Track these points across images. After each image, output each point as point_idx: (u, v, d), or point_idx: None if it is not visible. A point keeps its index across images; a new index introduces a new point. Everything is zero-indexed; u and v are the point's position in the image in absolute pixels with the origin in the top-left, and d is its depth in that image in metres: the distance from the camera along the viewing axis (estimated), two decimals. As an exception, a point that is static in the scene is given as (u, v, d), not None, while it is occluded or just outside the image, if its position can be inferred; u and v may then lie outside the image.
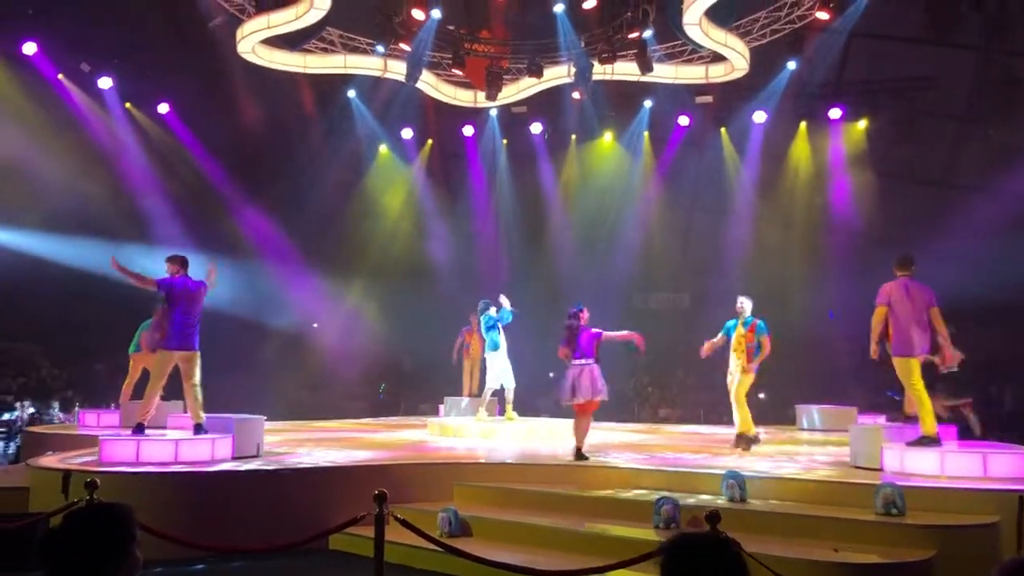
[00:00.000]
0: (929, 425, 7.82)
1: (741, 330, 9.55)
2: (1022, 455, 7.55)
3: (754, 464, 8.57)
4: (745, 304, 9.67)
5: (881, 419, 11.56)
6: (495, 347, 11.76)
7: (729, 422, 14.90)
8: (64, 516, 2.52)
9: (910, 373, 7.91)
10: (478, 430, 11.49)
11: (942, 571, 5.75)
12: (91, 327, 15.93)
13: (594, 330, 8.88)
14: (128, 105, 16.97)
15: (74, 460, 8.27)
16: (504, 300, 11.82)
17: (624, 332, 9.16)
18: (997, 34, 15.67)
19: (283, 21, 13.08)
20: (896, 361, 7.98)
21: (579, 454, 8.78)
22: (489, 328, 11.82)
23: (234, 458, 8.33)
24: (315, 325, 19.07)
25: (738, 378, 9.53)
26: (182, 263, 8.71)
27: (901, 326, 7.89)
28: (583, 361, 8.74)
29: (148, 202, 16.81)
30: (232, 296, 16.15)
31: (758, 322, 9.54)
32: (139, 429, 8.53)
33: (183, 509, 7.12)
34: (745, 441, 9.62)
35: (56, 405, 15.64)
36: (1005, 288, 14.85)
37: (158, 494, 7.23)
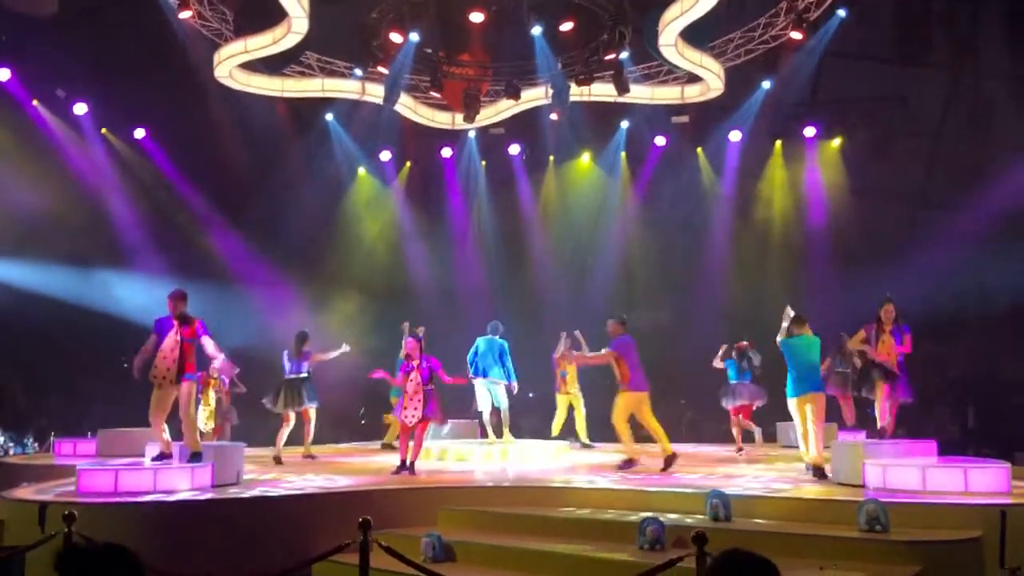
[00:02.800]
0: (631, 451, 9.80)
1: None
2: (1002, 469, 7.62)
3: (738, 482, 8.58)
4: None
5: (862, 435, 11.62)
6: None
7: (711, 440, 15.01)
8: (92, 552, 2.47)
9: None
10: (460, 453, 11.47)
11: (927, 587, 5.77)
12: (67, 355, 15.74)
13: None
14: (104, 131, 16.85)
15: (51, 491, 8.14)
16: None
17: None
18: (966, 54, 15.96)
19: (260, 46, 13.05)
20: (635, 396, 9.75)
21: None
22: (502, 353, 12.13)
23: (214, 486, 8.24)
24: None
25: None
26: None
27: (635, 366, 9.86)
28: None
29: (124, 227, 16.67)
30: (207, 321, 16.02)
31: None
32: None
33: (162, 539, 7.01)
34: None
35: (30, 435, 15.40)
36: (977, 303, 15.09)
37: (137, 524, 7.13)
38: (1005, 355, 15.74)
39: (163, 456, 8.70)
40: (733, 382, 12.34)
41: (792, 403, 9.23)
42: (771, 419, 14.25)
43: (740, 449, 12.19)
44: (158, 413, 8.57)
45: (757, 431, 13.11)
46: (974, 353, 16.26)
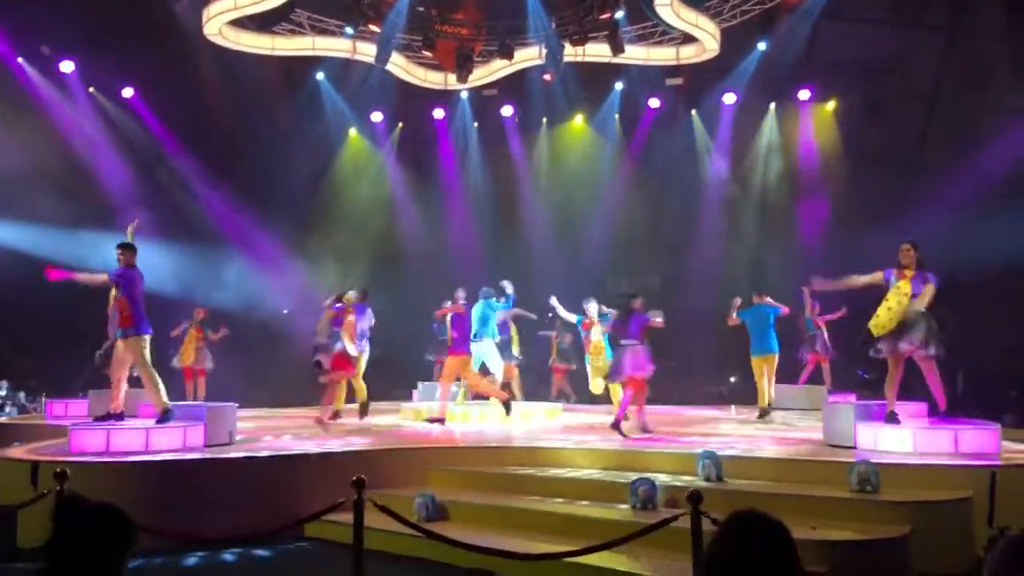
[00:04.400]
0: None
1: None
2: (991, 431, 7.66)
3: (729, 443, 8.62)
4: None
5: (852, 397, 11.66)
6: (494, 335, 11.90)
7: (703, 403, 15.09)
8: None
9: None
10: (453, 415, 11.48)
11: (918, 546, 5.81)
12: (56, 315, 15.61)
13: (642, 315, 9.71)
14: (91, 90, 16.62)
15: (42, 450, 8.12)
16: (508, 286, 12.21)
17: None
18: (963, 16, 15.80)
19: (250, 2, 12.88)
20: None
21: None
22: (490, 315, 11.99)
23: (206, 446, 8.23)
24: (285, 311, 18.87)
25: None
26: (135, 252, 8.61)
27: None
28: (630, 342, 9.61)
29: (112, 186, 16.48)
30: (199, 284, 15.95)
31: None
32: (118, 417, 8.48)
33: (155, 498, 7.01)
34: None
35: (21, 395, 15.35)
36: (968, 267, 15.05)
37: (129, 483, 7.12)
38: (996, 320, 15.78)
39: (109, 416, 8.48)
40: (563, 348, 14.41)
41: (754, 361, 11.74)
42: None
43: (557, 399, 14.07)
44: (113, 369, 8.55)
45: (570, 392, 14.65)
46: (964, 318, 16.27)
